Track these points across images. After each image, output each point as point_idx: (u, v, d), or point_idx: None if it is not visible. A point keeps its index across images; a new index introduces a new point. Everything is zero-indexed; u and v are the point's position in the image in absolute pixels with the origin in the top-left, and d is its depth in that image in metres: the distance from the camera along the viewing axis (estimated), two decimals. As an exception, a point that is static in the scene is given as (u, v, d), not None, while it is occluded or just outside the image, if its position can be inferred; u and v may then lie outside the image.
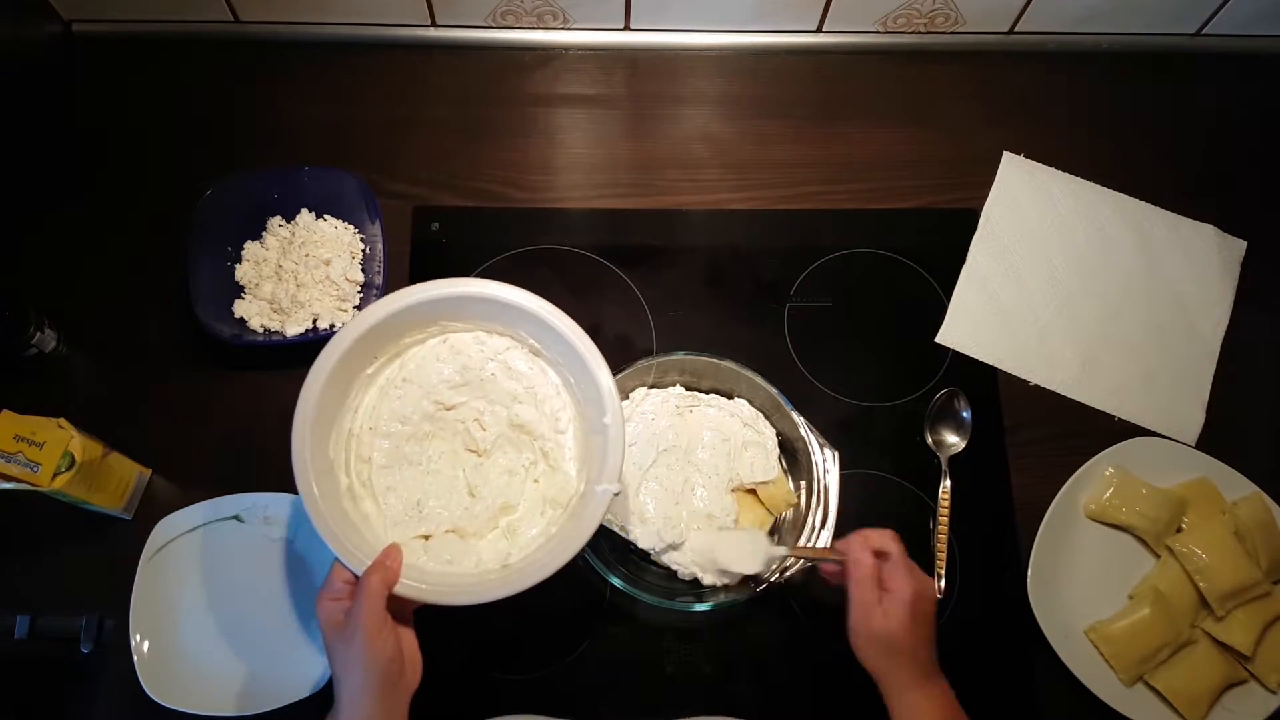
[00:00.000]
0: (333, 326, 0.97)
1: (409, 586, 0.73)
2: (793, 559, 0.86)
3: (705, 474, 0.90)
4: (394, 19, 1.11)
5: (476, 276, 0.81)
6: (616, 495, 0.77)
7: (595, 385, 0.79)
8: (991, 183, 1.10)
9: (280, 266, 0.99)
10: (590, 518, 0.76)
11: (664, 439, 0.91)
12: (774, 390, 0.91)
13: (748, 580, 0.89)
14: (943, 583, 0.94)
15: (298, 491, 0.74)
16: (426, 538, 0.80)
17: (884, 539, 0.79)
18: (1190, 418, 1.01)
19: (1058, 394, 1.02)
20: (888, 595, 0.77)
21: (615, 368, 0.91)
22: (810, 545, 0.86)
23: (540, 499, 0.83)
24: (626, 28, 1.13)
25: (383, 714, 0.69)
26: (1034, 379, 1.02)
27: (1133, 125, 1.14)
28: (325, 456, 0.77)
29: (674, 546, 0.88)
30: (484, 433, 0.84)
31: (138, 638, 0.87)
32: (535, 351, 0.84)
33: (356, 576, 0.72)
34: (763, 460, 0.91)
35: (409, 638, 0.73)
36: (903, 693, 0.76)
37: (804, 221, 1.08)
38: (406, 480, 0.82)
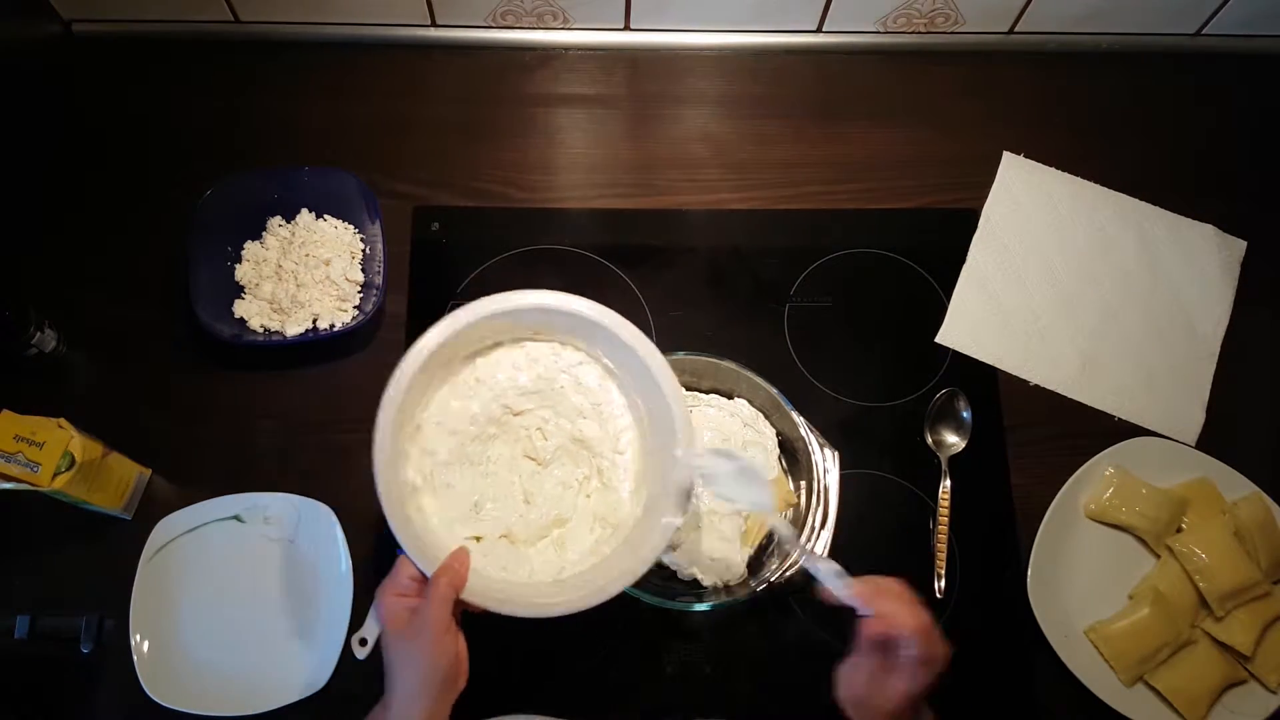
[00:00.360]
0: (333, 326, 0.97)
1: (476, 593, 0.73)
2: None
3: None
4: (394, 19, 1.11)
5: (529, 289, 0.79)
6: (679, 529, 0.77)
7: (669, 416, 0.78)
8: (991, 183, 1.10)
9: (280, 266, 0.99)
10: (651, 547, 0.76)
11: None
12: (774, 390, 0.91)
13: (748, 580, 0.89)
14: (943, 583, 0.94)
15: (376, 489, 0.73)
16: (478, 539, 0.80)
17: (919, 617, 0.71)
18: (1190, 418, 1.01)
19: (1058, 394, 1.02)
20: (922, 663, 0.69)
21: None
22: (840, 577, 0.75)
23: (590, 515, 0.83)
24: (626, 28, 1.13)
25: (436, 715, 0.69)
26: (1034, 379, 1.02)
27: (1133, 125, 1.14)
28: (399, 449, 0.77)
29: (674, 546, 0.88)
30: (545, 442, 0.84)
31: (138, 638, 0.87)
32: (609, 371, 0.84)
33: (424, 575, 0.72)
34: (762, 460, 0.91)
35: (462, 641, 0.73)
36: None
37: (804, 221, 1.08)
38: (465, 479, 0.81)
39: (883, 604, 0.71)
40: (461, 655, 0.72)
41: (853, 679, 0.72)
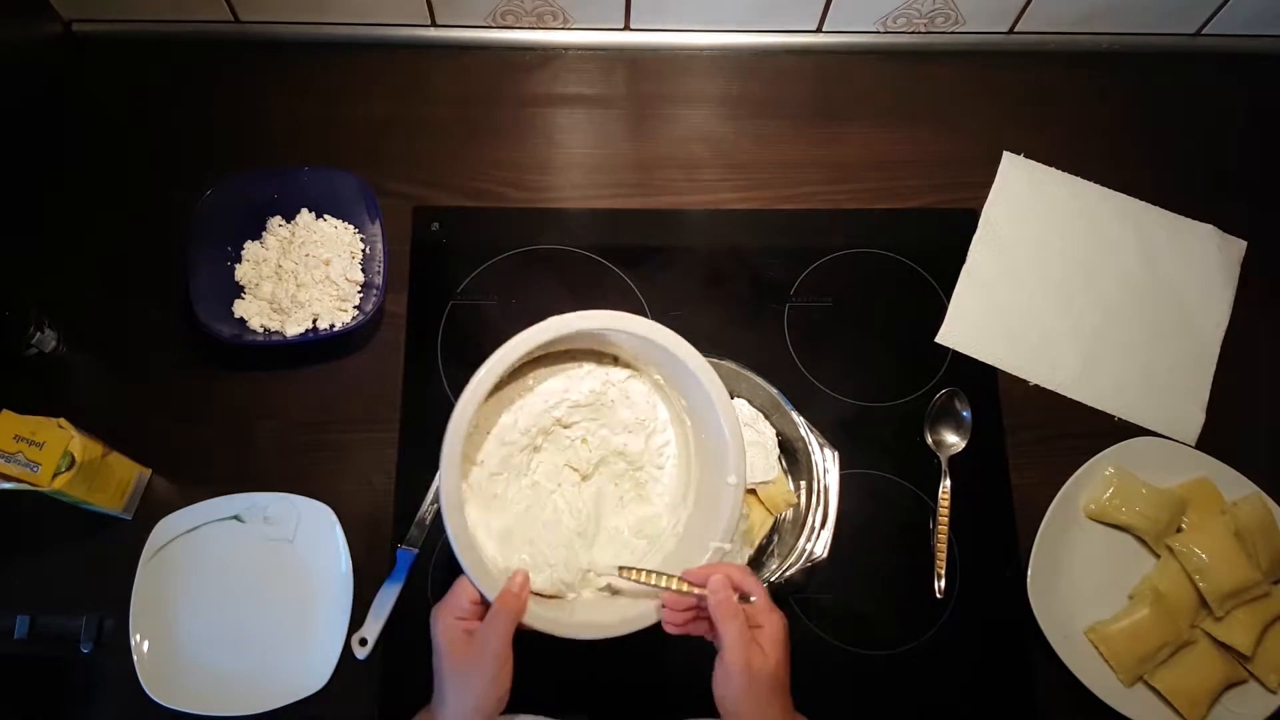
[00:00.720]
0: (332, 326, 0.97)
1: (534, 617, 0.72)
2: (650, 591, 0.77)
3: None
4: (394, 19, 1.11)
5: (590, 310, 0.77)
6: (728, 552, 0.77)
7: (725, 448, 0.77)
8: (992, 183, 1.10)
9: (280, 266, 0.99)
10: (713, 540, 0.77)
11: None
12: (774, 390, 0.91)
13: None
14: (943, 583, 0.94)
15: (441, 509, 0.71)
16: (518, 550, 0.79)
17: (745, 577, 0.72)
18: (1190, 418, 1.01)
19: (1058, 394, 1.02)
20: (761, 631, 0.71)
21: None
22: (663, 576, 0.74)
23: (626, 527, 0.83)
24: (626, 28, 1.13)
25: None
26: (1034, 379, 1.02)
27: (1133, 125, 1.14)
28: (461, 475, 0.76)
29: (674, 547, 0.88)
30: (589, 453, 0.84)
31: (138, 638, 0.87)
32: (658, 386, 0.84)
33: (483, 598, 0.71)
34: (763, 460, 0.91)
35: (511, 666, 0.72)
36: None
37: (804, 221, 1.08)
38: (511, 490, 0.81)
39: (696, 576, 0.72)
40: (511, 680, 0.71)
41: (725, 660, 0.70)
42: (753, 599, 0.71)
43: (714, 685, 0.70)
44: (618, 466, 0.85)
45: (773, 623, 0.71)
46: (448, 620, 0.71)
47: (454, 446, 0.71)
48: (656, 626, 0.74)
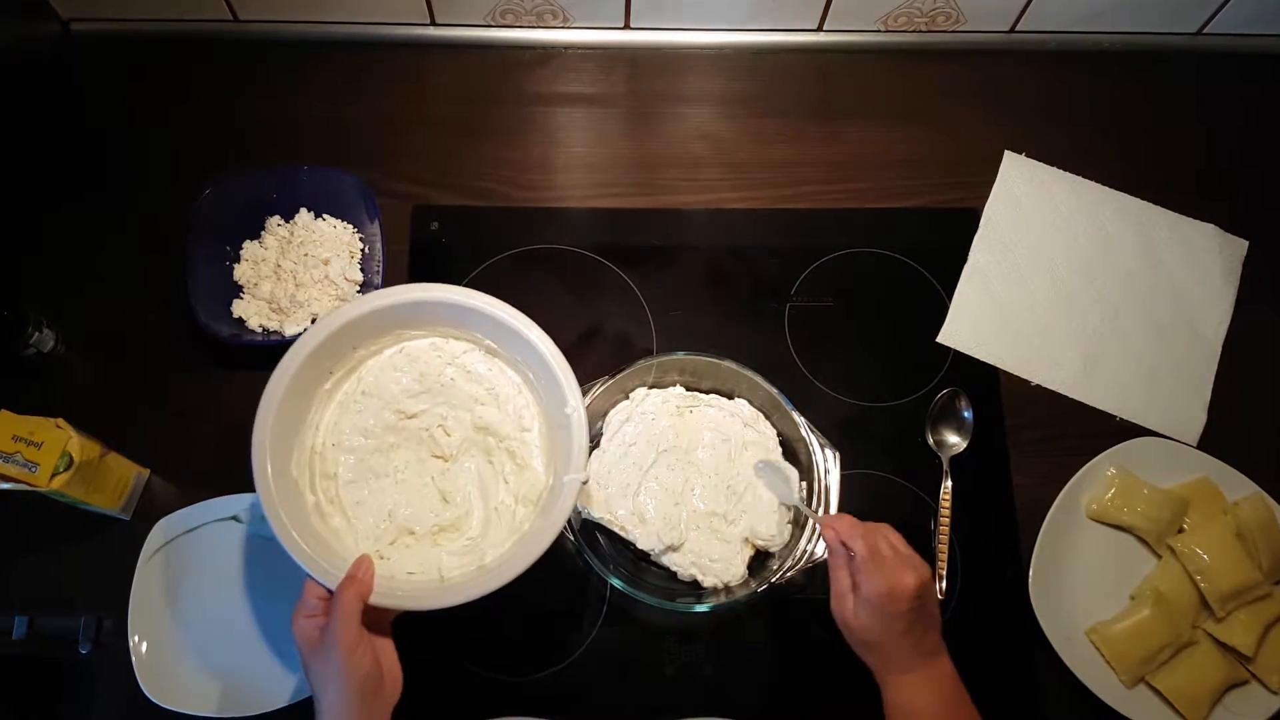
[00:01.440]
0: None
1: (383, 595, 0.72)
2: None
3: (705, 474, 0.90)
4: (394, 18, 1.11)
5: (467, 281, 0.82)
6: (584, 484, 0.77)
7: (554, 378, 0.79)
8: (992, 182, 1.10)
9: (279, 266, 0.99)
10: (560, 510, 0.76)
11: (664, 439, 0.91)
12: (774, 390, 0.91)
13: (749, 581, 0.89)
14: (943, 583, 0.93)
15: (264, 512, 0.74)
16: (391, 543, 0.80)
17: (854, 535, 0.77)
18: (1192, 418, 1.01)
19: (1059, 394, 1.02)
20: (857, 592, 0.76)
21: (615, 368, 0.91)
22: (815, 509, 0.86)
23: (512, 497, 0.83)
24: (626, 26, 1.13)
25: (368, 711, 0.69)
26: (1035, 379, 1.02)
27: (1134, 124, 1.14)
28: (289, 475, 0.77)
29: (673, 548, 0.88)
30: (449, 438, 0.84)
31: (136, 638, 0.87)
32: (492, 352, 0.85)
33: (330, 592, 0.72)
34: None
35: (387, 650, 0.73)
36: (887, 678, 0.76)
37: (804, 221, 1.08)
38: (375, 493, 0.82)
39: (833, 522, 0.79)
40: (385, 664, 0.71)
41: (841, 609, 0.77)
42: (856, 553, 0.76)
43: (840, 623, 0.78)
44: (487, 443, 0.85)
45: (868, 585, 0.75)
46: (299, 621, 0.72)
47: (260, 458, 0.74)
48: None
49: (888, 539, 0.78)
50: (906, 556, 0.77)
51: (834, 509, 0.88)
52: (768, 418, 0.94)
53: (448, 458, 0.84)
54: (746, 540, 0.89)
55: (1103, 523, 0.96)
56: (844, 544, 0.78)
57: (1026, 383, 1.02)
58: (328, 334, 0.78)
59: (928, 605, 0.77)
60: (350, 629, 0.69)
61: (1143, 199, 1.09)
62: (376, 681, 0.70)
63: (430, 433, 0.84)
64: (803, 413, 0.90)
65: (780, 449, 0.93)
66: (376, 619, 0.72)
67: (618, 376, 0.92)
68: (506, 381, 0.85)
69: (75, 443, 0.83)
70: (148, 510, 0.92)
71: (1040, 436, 1.00)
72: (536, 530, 0.77)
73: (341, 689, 0.68)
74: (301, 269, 0.98)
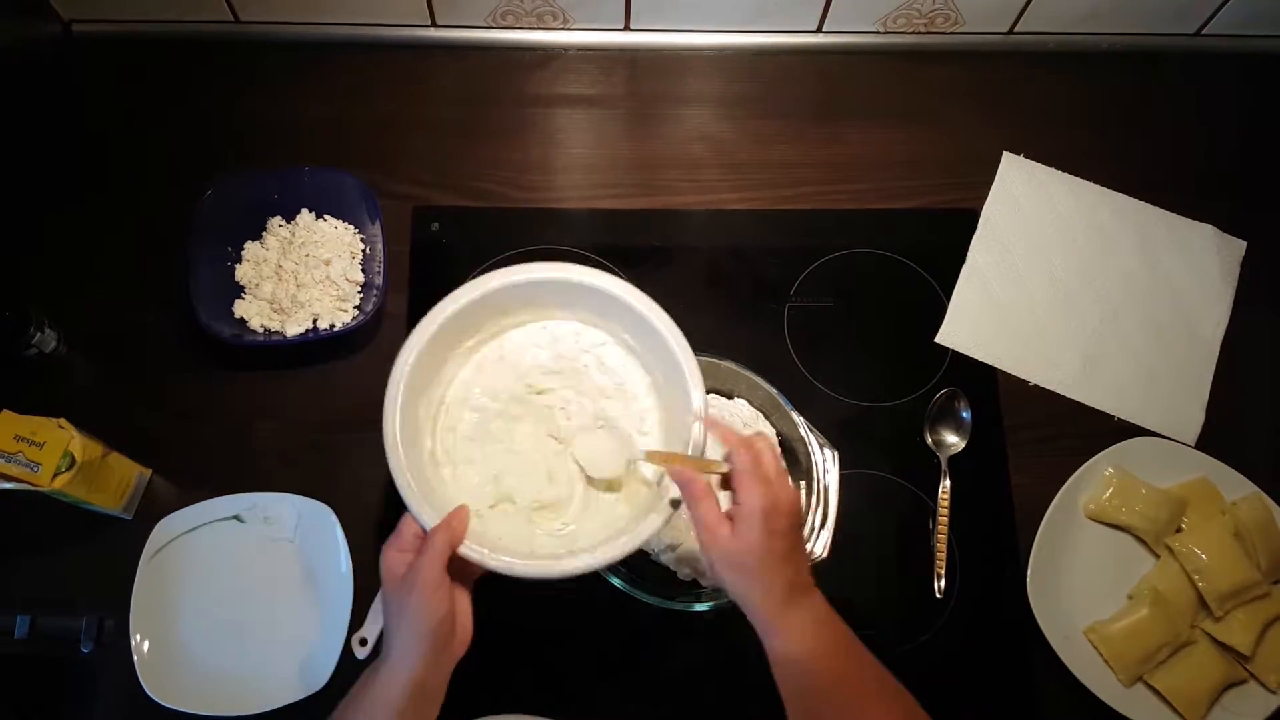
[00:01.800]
0: (333, 327, 0.97)
1: (472, 550, 0.73)
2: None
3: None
4: (394, 19, 1.11)
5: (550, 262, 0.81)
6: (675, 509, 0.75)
7: (685, 389, 0.77)
8: (991, 183, 1.10)
9: (280, 266, 0.99)
10: (650, 524, 0.75)
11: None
12: (774, 390, 0.91)
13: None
14: (942, 583, 0.94)
15: (383, 443, 0.74)
16: (492, 507, 0.80)
17: (737, 442, 0.71)
18: (1190, 417, 1.01)
19: (1057, 394, 1.02)
20: (737, 509, 0.69)
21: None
22: (692, 456, 0.75)
23: (614, 497, 0.82)
24: (626, 28, 1.13)
25: (429, 673, 0.69)
26: (1034, 379, 1.02)
27: (1133, 125, 1.14)
28: (415, 417, 0.78)
29: (672, 548, 0.88)
30: (568, 422, 0.84)
31: (138, 638, 0.87)
32: (629, 348, 0.84)
33: (425, 531, 0.72)
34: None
35: (464, 603, 0.73)
36: (772, 622, 0.69)
37: (804, 221, 1.08)
38: (488, 456, 0.82)
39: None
40: (459, 616, 0.72)
41: (699, 539, 0.71)
42: (735, 465, 0.70)
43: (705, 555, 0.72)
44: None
45: (749, 499, 0.69)
46: (389, 553, 0.73)
47: (394, 391, 0.75)
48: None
49: (773, 448, 0.73)
50: (782, 470, 0.72)
51: (833, 509, 0.88)
52: (767, 417, 0.94)
53: (564, 440, 0.83)
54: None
55: (1101, 522, 0.96)
56: (720, 462, 0.72)
57: (1025, 383, 1.02)
58: (485, 291, 0.79)
59: (801, 528, 0.73)
60: (435, 570, 0.69)
61: (1141, 200, 1.10)
62: (449, 627, 0.71)
63: (553, 412, 0.84)
64: (802, 413, 0.91)
65: (779, 448, 0.93)
66: (461, 571, 0.73)
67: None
68: (637, 381, 0.84)
69: (77, 443, 0.83)
70: (149, 510, 0.93)
71: (1038, 436, 1.00)
72: (629, 534, 0.75)
73: (415, 627, 0.69)
74: (303, 269, 0.98)
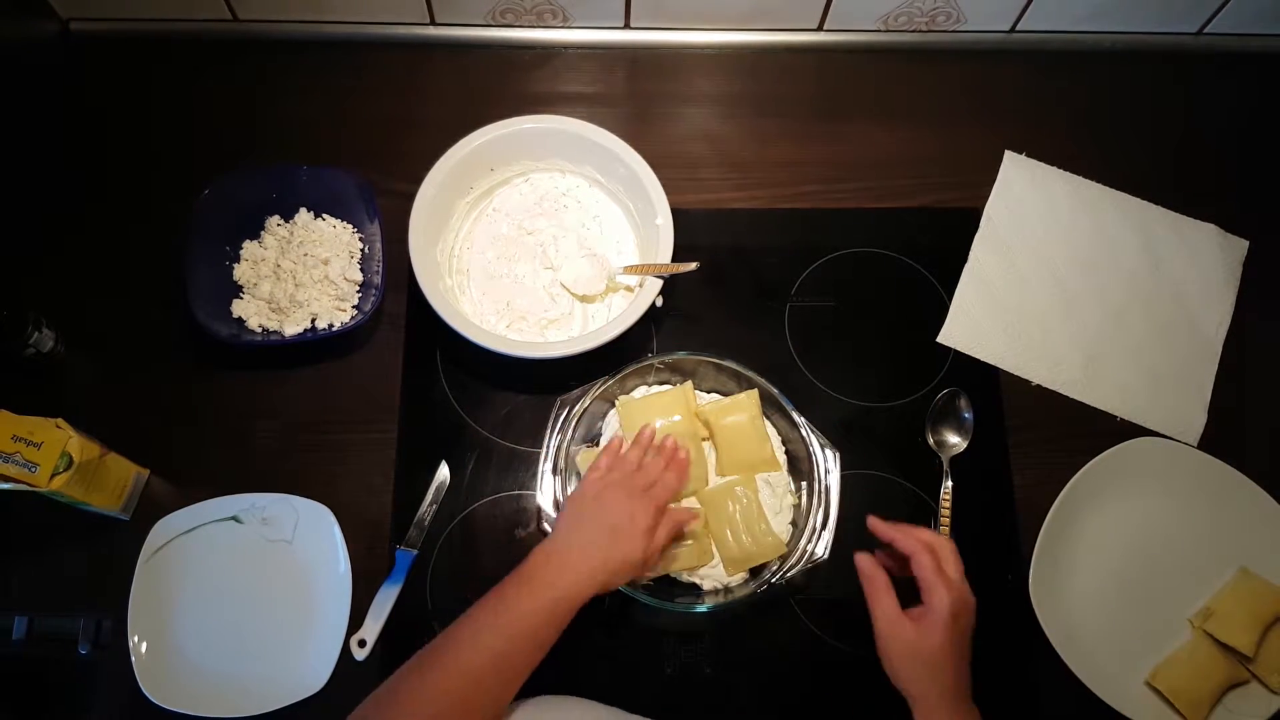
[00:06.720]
0: (331, 326, 0.97)
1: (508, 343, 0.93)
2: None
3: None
4: (393, 18, 1.11)
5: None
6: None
7: (648, 200, 0.96)
8: (993, 182, 1.10)
9: (279, 266, 0.98)
10: (638, 305, 0.93)
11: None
12: (774, 390, 0.91)
13: (748, 581, 0.89)
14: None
15: (418, 283, 0.92)
16: (508, 326, 0.99)
17: (918, 545, 0.76)
18: (1192, 418, 1.01)
19: (1060, 394, 1.02)
20: (923, 609, 0.74)
21: (616, 368, 0.91)
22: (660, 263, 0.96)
23: (606, 305, 1.01)
24: (626, 26, 1.13)
25: (595, 588, 0.76)
26: (1036, 379, 1.02)
27: (1134, 124, 1.14)
28: (433, 259, 0.96)
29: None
30: (557, 253, 1.00)
31: (136, 639, 0.87)
32: (601, 186, 1.03)
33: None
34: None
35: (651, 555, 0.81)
36: (946, 715, 0.73)
37: (804, 221, 1.08)
38: (498, 288, 1.00)
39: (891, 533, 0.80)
40: (650, 553, 0.79)
41: (899, 633, 0.74)
42: (921, 564, 0.75)
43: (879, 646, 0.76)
44: (589, 259, 1.00)
45: (939, 601, 0.73)
46: (629, 460, 0.83)
47: (416, 237, 0.94)
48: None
49: (954, 551, 0.77)
50: (962, 572, 0.77)
51: (834, 509, 0.88)
52: (767, 418, 0.94)
53: (555, 268, 1.00)
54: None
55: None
56: (891, 557, 0.78)
57: (1027, 383, 1.02)
58: (469, 149, 0.97)
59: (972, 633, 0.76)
60: (658, 531, 0.80)
61: (1143, 199, 1.09)
62: (636, 571, 0.79)
63: (543, 247, 1.01)
64: (803, 413, 0.90)
65: (781, 448, 0.93)
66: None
67: (618, 376, 0.92)
68: (610, 214, 1.03)
69: (75, 443, 0.83)
70: (147, 510, 0.92)
71: (1041, 437, 1.00)
72: (622, 315, 0.93)
73: (618, 559, 0.77)
74: (301, 269, 0.98)
